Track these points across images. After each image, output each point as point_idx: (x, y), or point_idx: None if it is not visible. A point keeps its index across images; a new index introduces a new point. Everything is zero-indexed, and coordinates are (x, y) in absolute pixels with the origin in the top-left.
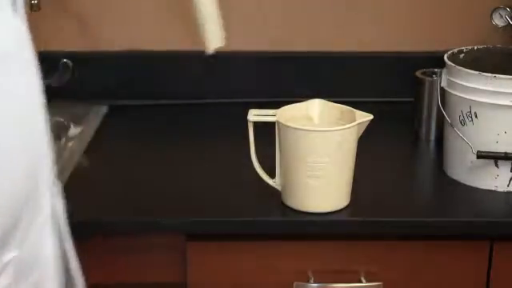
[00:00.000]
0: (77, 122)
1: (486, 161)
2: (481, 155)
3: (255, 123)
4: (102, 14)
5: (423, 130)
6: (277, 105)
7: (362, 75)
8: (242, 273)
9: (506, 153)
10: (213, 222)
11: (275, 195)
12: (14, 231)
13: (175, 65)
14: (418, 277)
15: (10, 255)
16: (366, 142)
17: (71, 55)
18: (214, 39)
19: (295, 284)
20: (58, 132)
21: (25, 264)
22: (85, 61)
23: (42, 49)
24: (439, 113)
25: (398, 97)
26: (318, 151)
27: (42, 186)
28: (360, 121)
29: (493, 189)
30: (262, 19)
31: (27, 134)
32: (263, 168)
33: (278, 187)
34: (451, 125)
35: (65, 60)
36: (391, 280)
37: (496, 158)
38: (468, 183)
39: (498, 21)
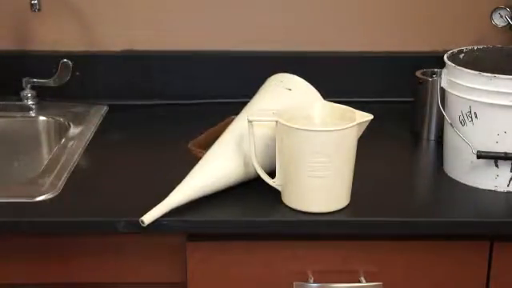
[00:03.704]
0: (77, 122)
1: (486, 161)
2: (481, 155)
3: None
4: (101, 14)
5: (423, 130)
6: None
7: (362, 75)
8: (242, 273)
9: (505, 153)
10: (213, 221)
11: (275, 195)
12: None
13: (175, 65)
14: (417, 277)
15: None
16: (366, 141)
17: (71, 55)
18: None
19: (295, 284)
20: (58, 132)
21: None
22: (85, 61)
23: (42, 49)
24: (439, 113)
25: (398, 97)
26: (318, 151)
27: None
28: (360, 121)
29: (493, 189)
30: (261, 19)
31: None
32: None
33: (278, 187)
34: (451, 125)
35: (65, 60)
36: (391, 280)
37: (496, 157)
38: (468, 183)
39: (498, 21)
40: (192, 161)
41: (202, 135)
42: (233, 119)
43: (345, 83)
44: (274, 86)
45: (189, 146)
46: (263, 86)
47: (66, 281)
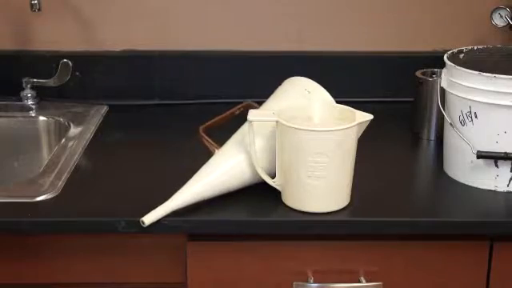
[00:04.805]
0: (77, 122)
1: (486, 161)
2: (481, 155)
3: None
4: (102, 14)
5: (423, 129)
6: None
7: (362, 75)
8: (242, 273)
9: (506, 153)
10: (213, 221)
11: (275, 195)
12: None
13: (175, 65)
14: (417, 277)
15: None
16: (366, 141)
17: (71, 55)
18: None
19: (295, 284)
20: (58, 132)
21: None
22: (85, 61)
23: (42, 49)
24: (439, 113)
25: (398, 97)
26: (318, 151)
27: None
28: (360, 121)
29: (493, 189)
30: (261, 20)
31: None
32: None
33: (279, 187)
34: (451, 125)
35: (65, 60)
36: (391, 280)
37: (496, 157)
38: (468, 183)
39: (498, 21)
40: (192, 160)
41: (215, 119)
42: (248, 104)
43: (345, 83)
44: (296, 91)
45: (200, 130)
46: (285, 88)
47: (65, 281)
